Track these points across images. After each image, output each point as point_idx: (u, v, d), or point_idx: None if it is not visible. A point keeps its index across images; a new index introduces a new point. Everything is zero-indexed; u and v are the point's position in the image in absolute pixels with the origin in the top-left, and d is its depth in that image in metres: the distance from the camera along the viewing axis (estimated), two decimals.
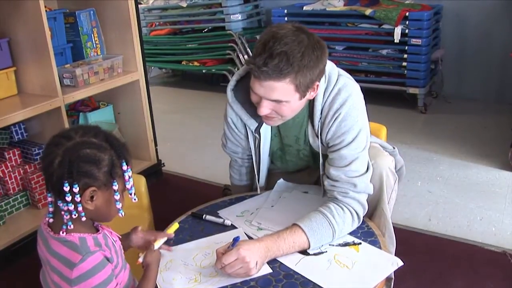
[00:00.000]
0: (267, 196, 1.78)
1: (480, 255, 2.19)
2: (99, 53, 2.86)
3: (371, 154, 1.61)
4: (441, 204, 2.65)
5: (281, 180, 1.86)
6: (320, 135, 1.59)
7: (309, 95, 1.51)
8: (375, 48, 3.99)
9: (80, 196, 1.08)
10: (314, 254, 1.44)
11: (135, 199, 1.18)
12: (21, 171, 2.50)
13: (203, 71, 4.89)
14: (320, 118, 1.56)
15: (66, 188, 1.06)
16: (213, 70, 4.78)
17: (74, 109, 2.94)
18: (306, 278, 1.35)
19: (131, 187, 1.15)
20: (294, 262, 1.41)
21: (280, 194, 1.78)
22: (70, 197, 1.07)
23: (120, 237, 1.29)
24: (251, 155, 1.77)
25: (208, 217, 1.66)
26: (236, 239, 1.38)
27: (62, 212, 1.10)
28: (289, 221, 1.56)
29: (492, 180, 2.87)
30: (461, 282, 2.02)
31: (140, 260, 1.31)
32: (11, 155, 2.50)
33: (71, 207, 1.08)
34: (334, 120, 1.53)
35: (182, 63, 4.97)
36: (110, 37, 2.86)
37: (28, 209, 2.54)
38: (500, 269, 2.09)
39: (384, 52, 3.95)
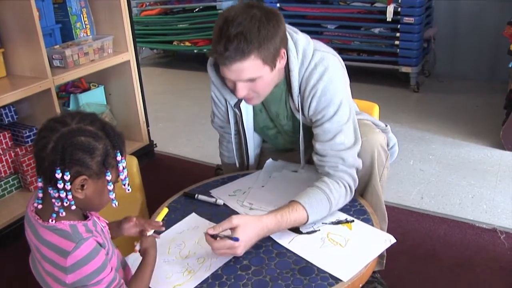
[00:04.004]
0: (258, 176, 1.78)
1: (472, 232, 2.21)
2: (88, 34, 2.82)
3: (362, 131, 1.60)
4: (433, 183, 2.66)
5: (269, 160, 1.85)
6: (302, 110, 1.60)
7: (280, 64, 1.52)
8: (367, 26, 3.97)
9: (71, 184, 1.05)
10: (307, 233, 1.45)
11: (128, 190, 1.15)
12: (12, 154, 2.48)
13: (195, 51, 4.85)
14: (300, 94, 1.58)
15: (58, 174, 1.03)
16: (205, 50, 4.74)
17: (65, 90, 2.91)
18: (299, 256, 1.35)
19: (125, 177, 1.13)
20: (287, 241, 1.42)
21: (269, 174, 1.78)
22: (62, 184, 1.04)
23: (108, 222, 1.27)
24: (232, 129, 1.79)
25: (201, 197, 1.66)
26: (235, 239, 1.34)
27: (53, 200, 1.07)
28: (280, 200, 1.56)
29: (483, 159, 2.88)
30: (453, 259, 2.04)
31: (137, 248, 1.29)
32: (2, 138, 2.48)
33: (63, 194, 1.05)
34: (313, 96, 1.54)
35: (174, 43, 4.93)
36: (100, 17, 2.82)
37: (20, 192, 2.52)
38: (490, 245, 2.11)
39: (376, 30, 3.92)
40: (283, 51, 1.51)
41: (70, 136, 1.04)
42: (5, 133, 2.49)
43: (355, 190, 1.58)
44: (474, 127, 3.28)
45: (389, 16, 3.75)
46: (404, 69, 3.89)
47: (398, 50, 3.86)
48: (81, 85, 2.94)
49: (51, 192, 1.06)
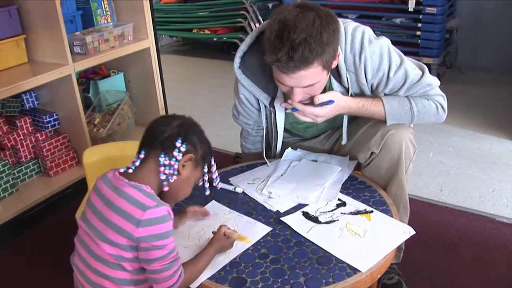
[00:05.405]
0: (277, 165, 1.78)
1: (492, 226, 2.18)
2: (109, 21, 2.83)
3: (391, 125, 1.60)
4: (453, 175, 2.64)
5: (289, 149, 1.85)
6: (358, 81, 1.60)
7: (333, 65, 1.50)
8: (388, 16, 3.92)
9: (182, 156, 1.25)
10: (326, 223, 1.44)
11: (208, 192, 1.41)
12: (33, 139, 2.51)
13: (214, 39, 4.84)
14: (347, 70, 1.58)
15: (178, 143, 1.24)
16: (224, 38, 4.74)
17: (85, 77, 2.93)
18: (318, 246, 1.35)
19: (216, 177, 1.40)
20: (305, 230, 1.41)
21: (289, 163, 1.77)
22: (177, 152, 1.24)
23: None
24: (263, 126, 1.77)
25: (220, 184, 1.66)
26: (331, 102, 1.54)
27: (161, 168, 1.23)
28: (299, 189, 1.57)
29: (505, 152, 2.84)
30: (471, 253, 2.02)
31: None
32: (23, 123, 2.51)
33: (173, 161, 1.24)
34: (365, 62, 1.55)
35: (193, 31, 4.93)
36: (120, 4, 2.82)
37: (40, 177, 2.55)
38: (511, 240, 2.09)
39: (397, 21, 3.87)
40: (338, 53, 1.50)
41: (191, 124, 1.32)
42: (26, 118, 2.52)
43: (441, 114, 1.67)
44: (496, 120, 3.23)
45: (411, 6, 3.69)
46: (425, 60, 3.83)
47: (419, 40, 3.80)
48: (101, 72, 2.95)
49: (162, 159, 1.24)
